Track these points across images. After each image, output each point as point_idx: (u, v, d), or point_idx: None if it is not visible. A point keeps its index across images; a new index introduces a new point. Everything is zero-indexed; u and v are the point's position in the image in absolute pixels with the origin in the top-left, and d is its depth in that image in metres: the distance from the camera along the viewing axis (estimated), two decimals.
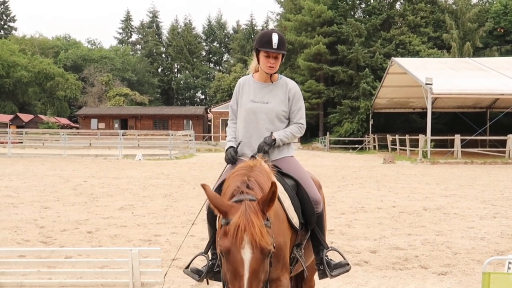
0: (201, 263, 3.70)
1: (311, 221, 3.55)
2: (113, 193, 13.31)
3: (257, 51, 3.76)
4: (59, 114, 73.99)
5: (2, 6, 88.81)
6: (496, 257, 5.59)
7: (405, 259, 6.65)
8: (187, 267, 3.67)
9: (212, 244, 3.59)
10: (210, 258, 3.55)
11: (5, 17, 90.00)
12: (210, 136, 55.98)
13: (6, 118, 62.28)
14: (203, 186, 2.80)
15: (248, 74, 4.06)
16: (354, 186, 15.65)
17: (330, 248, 3.68)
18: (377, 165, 25.60)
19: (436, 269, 6.20)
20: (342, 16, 52.37)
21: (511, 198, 12.89)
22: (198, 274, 3.55)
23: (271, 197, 2.68)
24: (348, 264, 3.68)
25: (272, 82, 3.83)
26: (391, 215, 10.04)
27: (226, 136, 4.01)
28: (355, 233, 8.26)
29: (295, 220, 3.34)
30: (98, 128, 57.34)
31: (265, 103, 3.77)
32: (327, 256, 3.63)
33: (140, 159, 28.38)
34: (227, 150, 3.79)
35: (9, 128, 48.23)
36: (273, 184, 2.67)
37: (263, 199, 2.71)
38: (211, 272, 3.51)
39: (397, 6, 55.53)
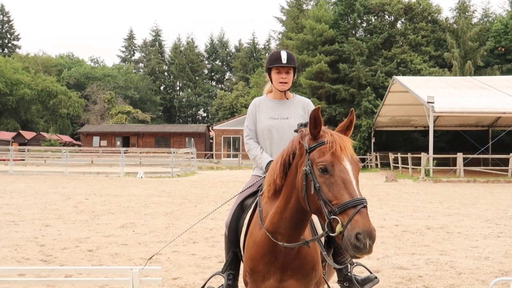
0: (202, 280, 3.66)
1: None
2: (114, 211, 13.25)
3: (269, 71, 3.87)
4: (62, 131, 74.22)
5: (6, 25, 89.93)
6: (501, 278, 5.52)
7: (409, 279, 6.57)
8: (203, 287, 3.65)
9: (229, 264, 3.54)
10: (226, 279, 3.51)
11: (9, 36, 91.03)
12: (212, 154, 55.96)
13: (8, 135, 62.41)
14: (317, 108, 2.87)
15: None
16: None
17: (355, 264, 3.61)
18: (379, 183, 25.50)
19: None
20: (344, 35, 52.69)
21: None
22: None
23: (348, 125, 2.84)
24: (376, 278, 3.59)
25: (287, 99, 3.91)
26: (394, 234, 9.96)
27: (249, 151, 3.88)
28: None
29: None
30: (100, 146, 57.49)
31: (285, 118, 3.83)
32: (350, 272, 3.57)
33: (141, 177, 28.35)
34: (268, 163, 3.59)
35: (12, 145, 48.30)
36: (352, 112, 2.84)
37: (340, 126, 2.87)
38: None
39: (398, 25, 55.88)
